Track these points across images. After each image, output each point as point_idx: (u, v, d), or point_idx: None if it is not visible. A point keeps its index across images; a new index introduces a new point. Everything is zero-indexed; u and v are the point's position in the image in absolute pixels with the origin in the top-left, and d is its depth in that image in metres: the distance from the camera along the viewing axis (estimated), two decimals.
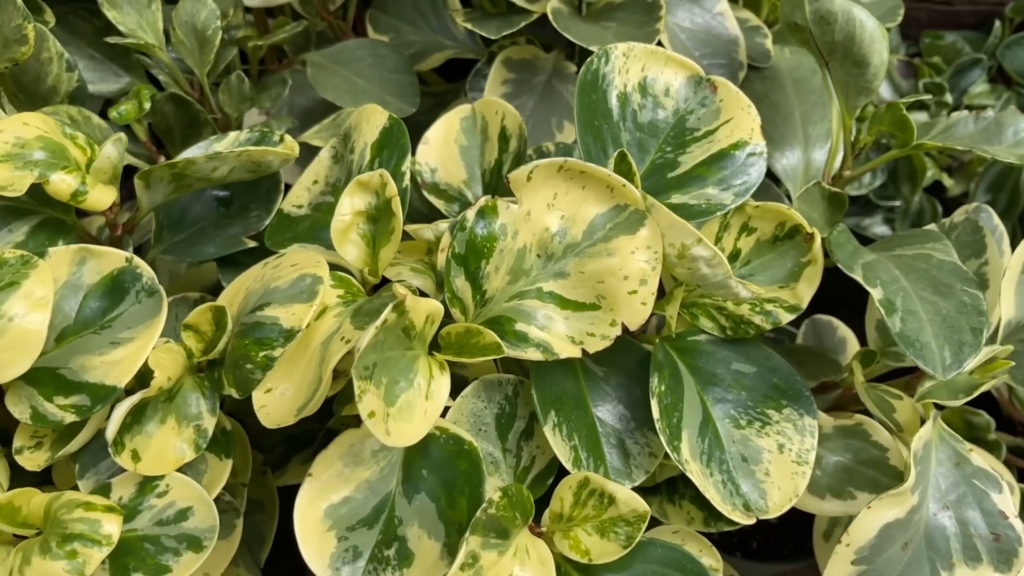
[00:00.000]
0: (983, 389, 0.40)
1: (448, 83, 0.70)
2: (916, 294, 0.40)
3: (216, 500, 0.41)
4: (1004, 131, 0.44)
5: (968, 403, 0.56)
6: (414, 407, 0.34)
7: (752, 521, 0.40)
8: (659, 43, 0.53)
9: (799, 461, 0.41)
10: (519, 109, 0.56)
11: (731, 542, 0.60)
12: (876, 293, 0.39)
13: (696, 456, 0.40)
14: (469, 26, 0.54)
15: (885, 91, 0.72)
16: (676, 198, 0.42)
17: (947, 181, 0.72)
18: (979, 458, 0.40)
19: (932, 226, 0.46)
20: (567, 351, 0.36)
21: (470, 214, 0.36)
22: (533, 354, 0.36)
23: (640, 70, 0.44)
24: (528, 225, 0.37)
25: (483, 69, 0.57)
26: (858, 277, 0.40)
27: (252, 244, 0.47)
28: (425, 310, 0.34)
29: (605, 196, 0.36)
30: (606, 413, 0.41)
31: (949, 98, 0.70)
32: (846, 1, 0.44)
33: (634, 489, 0.40)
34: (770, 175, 0.56)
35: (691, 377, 0.43)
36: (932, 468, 0.40)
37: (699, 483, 0.39)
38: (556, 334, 0.36)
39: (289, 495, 0.42)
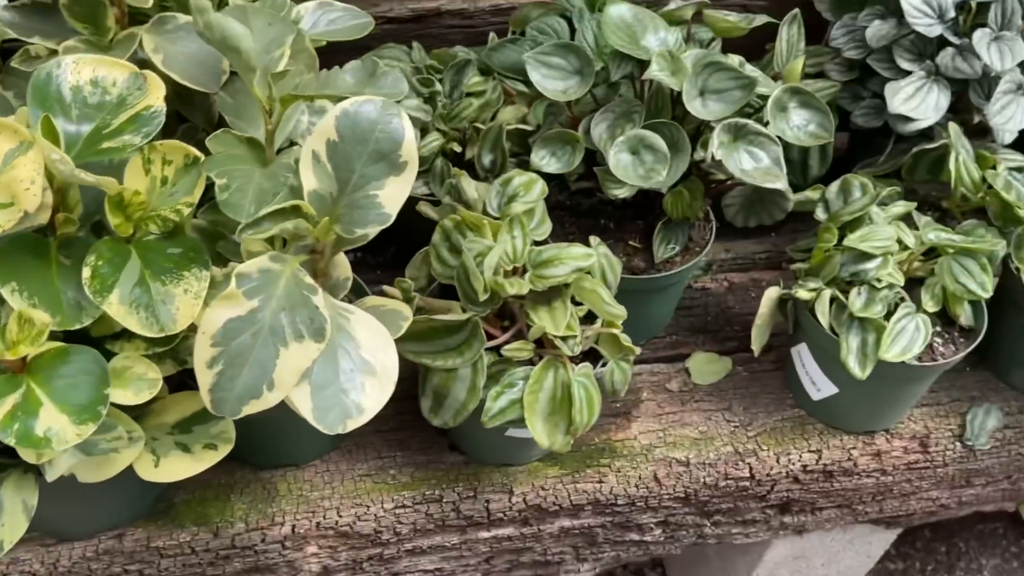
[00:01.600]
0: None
1: None
2: (255, 181, 0.64)
3: None
4: (331, 81, 0.69)
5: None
6: None
7: (163, 334, 0.62)
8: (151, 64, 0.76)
9: (196, 297, 0.63)
10: None
11: None
12: (218, 180, 0.63)
13: (127, 303, 0.62)
14: None
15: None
16: (106, 144, 0.65)
17: (458, 148, 0.97)
18: (310, 278, 0.64)
19: None
20: None
21: None
22: None
23: (92, 71, 0.67)
24: None
25: None
26: (212, 175, 0.63)
27: None
28: None
29: (13, 137, 0.59)
30: (69, 287, 0.63)
31: (439, 87, 0.96)
32: (219, 16, 0.68)
33: (94, 336, 0.62)
34: None
35: (139, 259, 0.65)
36: (280, 288, 0.63)
37: (119, 318, 0.61)
38: None
39: None
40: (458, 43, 1.10)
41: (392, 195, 0.66)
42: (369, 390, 0.66)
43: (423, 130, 0.97)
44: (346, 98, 0.67)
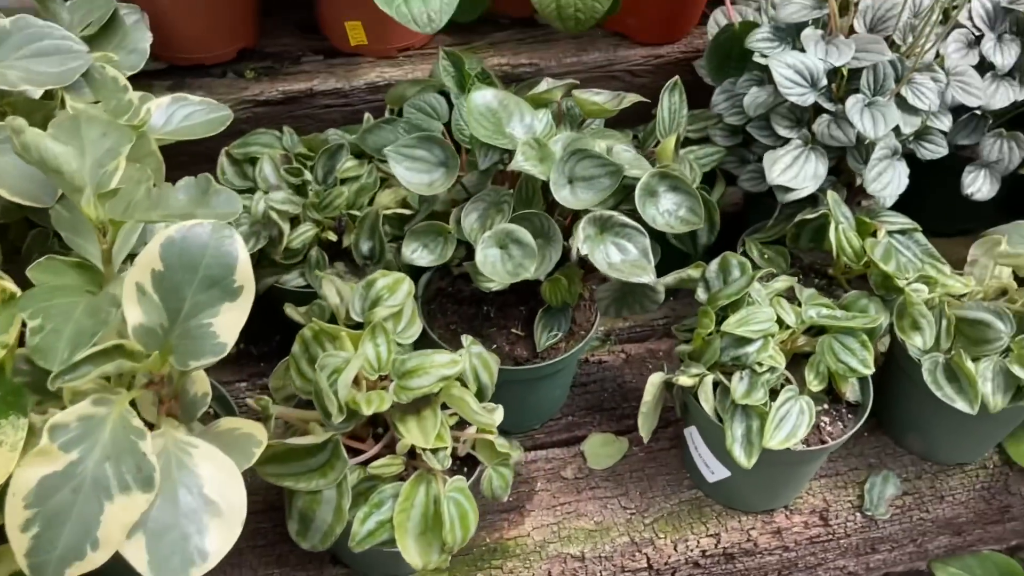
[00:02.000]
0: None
1: None
2: (74, 319, 0.59)
3: None
4: (163, 200, 0.65)
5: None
6: None
7: None
8: None
9: (12, 449, 0.58)
10: None
11: None
12: (31, 322, 0.58)
13: None
14: None
15: (273, 178, 0.93)
16: None
17: (333, 236, 0.93)
18: (137, 420, 0.59)
19: None
20: None
21: None
22: None
23: None
24: None
25: None
26: (25, 316, 0.58)
27: None
28: None
29: None
30: None
31: (308, 176, 0.92)
32: (36, 134, 0.63)
33: None
34: None
35: None
36: (105, 434, 0.58)
37: None
38: None
39: None
40: (335, 123, 1.06)
41: (228, 323, 0.61)
42: (214, 532, 0.61)
43: (295, 220, 0.93)
44: (176, 221, 0.63)
